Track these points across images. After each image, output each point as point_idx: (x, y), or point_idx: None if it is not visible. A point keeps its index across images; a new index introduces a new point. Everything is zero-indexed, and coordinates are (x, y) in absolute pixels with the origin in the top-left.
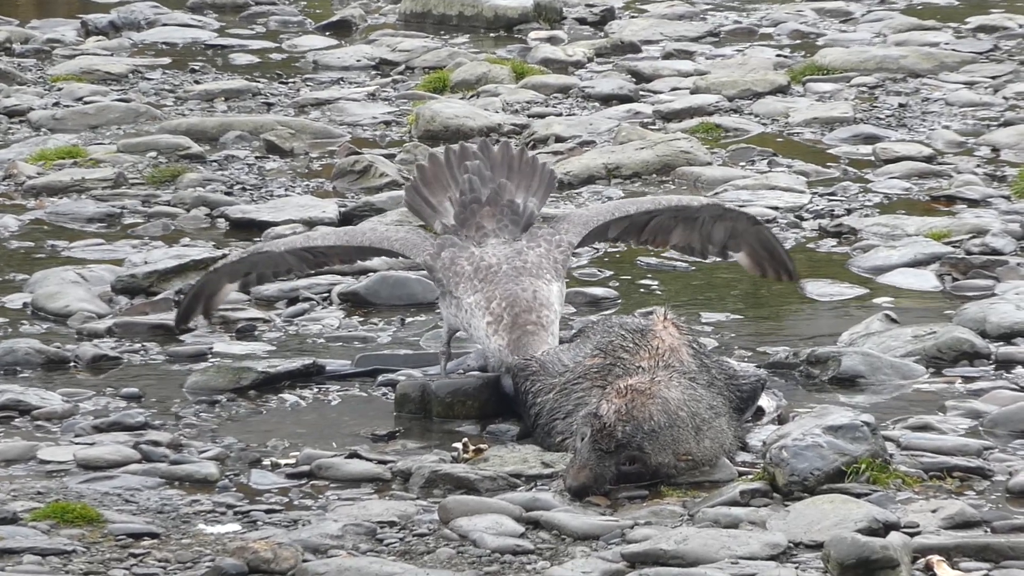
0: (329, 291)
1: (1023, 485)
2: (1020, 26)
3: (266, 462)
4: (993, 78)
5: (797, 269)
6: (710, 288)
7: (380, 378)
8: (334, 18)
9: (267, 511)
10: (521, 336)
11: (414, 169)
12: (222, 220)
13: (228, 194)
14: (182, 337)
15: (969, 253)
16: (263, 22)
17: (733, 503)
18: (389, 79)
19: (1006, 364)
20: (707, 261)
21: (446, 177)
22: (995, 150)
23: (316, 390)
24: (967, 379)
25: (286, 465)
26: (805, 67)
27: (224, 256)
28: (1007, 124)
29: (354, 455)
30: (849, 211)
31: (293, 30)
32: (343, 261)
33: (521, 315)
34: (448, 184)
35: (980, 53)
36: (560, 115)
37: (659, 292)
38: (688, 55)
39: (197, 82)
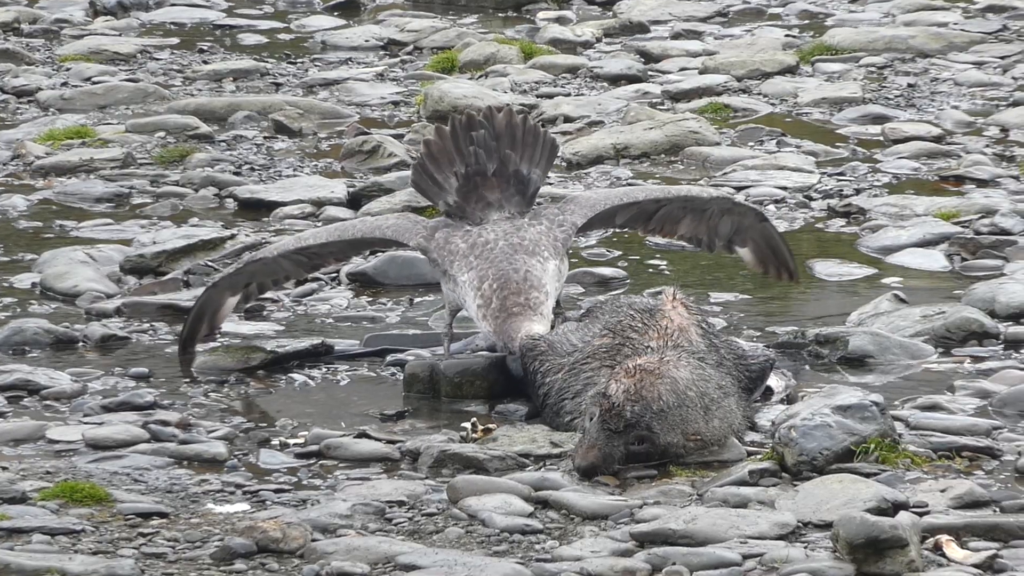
0: (338, 271)
1: None
2: None
3: (275, 442)
4: (1002, 58)
5: (798, 267)
6: (719, 268)
7: (389, 358)
8: None
9: (276, 491)
10: (506, 320)
11: (421, 145)
12: (231, 200)
13: (237, 174)
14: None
15: (978, 233)
16: (271, 2)
17: (742, 483)
18: (397, 59)
19: (1015, 344)
20: (711, 253)
21: (452, 150)
22: (1004, 130)
23: (325, 370)
24: (976, 359)
25: (295, 445)
26: (814, 47)
27: (232, 237)
28: (1016, 104)
29: (363, 435)
30: (858, 191)
31: (301, 10)
32: (338, 260)
33: (509, 298)
34: (454, 158)
35: (989, 33)
36: (569, 95)
37: (668, 272)
38: (697, 35)
39: (205, 62)
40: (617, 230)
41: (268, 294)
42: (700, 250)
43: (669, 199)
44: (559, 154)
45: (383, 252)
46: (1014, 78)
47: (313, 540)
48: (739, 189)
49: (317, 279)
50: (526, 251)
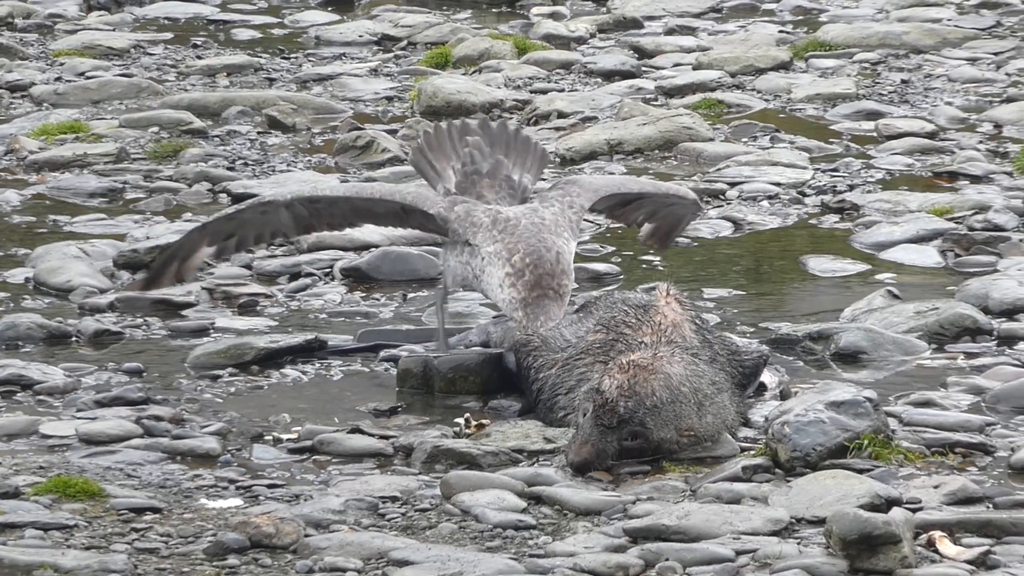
0: (331, 266)
1: None
2: (1022, 2)
3: (268, 437)
4: (995, 54)
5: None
6: (712, 264)
7: (382, 353)
8: None
9: (269, 486)
10: (540, 297)
11: (421, 133)
12: (224, 195)
13: (230, 169)
14: (184, 312)
15: (971, 229)
16: None
17: (735, 479)
18: (391, 55)
19: (1008, 340)
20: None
21: (448, 147)
22: (997, 126)
23: (318, 365)
24: (969, 355)
25: (288, 440)
26: (807, 43)
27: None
28: (1009, 100)
29: (356, 430)
30: (851, 187)
31: (295, 5)
32: (339, 223)
33: (544, 277)
34: (450, 154)
35: (983, 29)
36: (562, 91)
37: (661, 268)
38: (690, 31)
39: (199, 57)
40: (612, 224)
41: (260, 289)
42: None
43: (655, 194)
44: (549, 162)
45: (377, 247)
46: (1007, 74)
47: (306, 535)
48: (733, 185)
49: (311, 274)
50: (550, 231)
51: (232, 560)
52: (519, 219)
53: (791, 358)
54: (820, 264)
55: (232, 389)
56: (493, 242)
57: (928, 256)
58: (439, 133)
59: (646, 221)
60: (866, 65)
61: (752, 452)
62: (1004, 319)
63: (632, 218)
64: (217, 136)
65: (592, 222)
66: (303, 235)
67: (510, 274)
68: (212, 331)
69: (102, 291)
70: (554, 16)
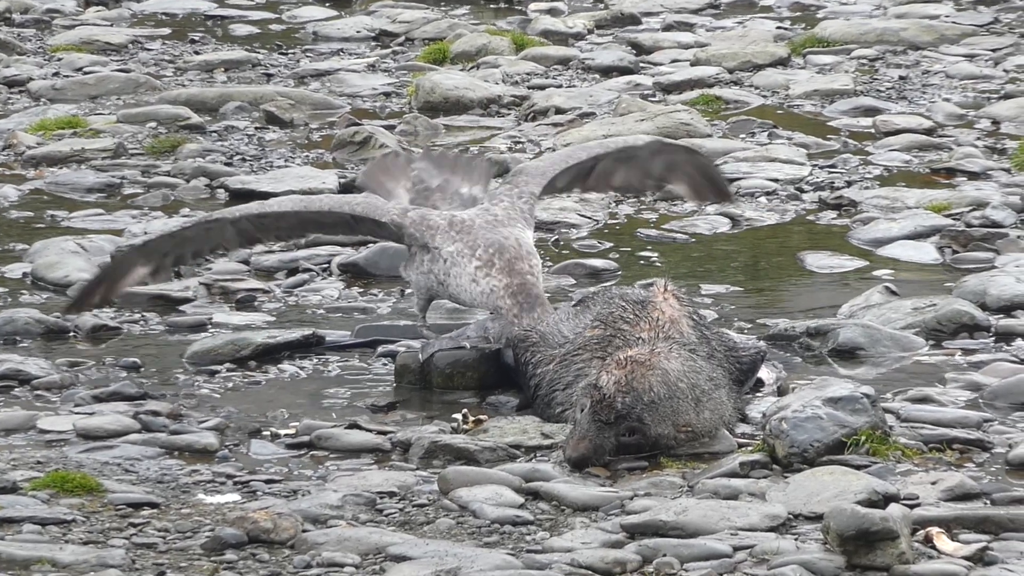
0: (329, 262)
1: (1023, 457)
2: None
3: (266, 432)
4: (993, 51)
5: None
6: (710, 260)
7: (380, 349)
8: None
9: (267, 481)
10: (523, 284)
11: (370, 160)
12: (222, 191)
13: (228, 165)
14: (182, 307)
15: (969, 226)
16: None
17: (733, 474)
18: (389, 50)
19: (1006, 336)
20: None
21: (397, 171)
22: (995, 123)
23: (316, 361)
24: (967, 351)
25: (286, 435)
26: (805, 39)
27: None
28: (1007, 97)
29: (354, 426)
30: (849, 183)
31: (293, 1)
32: (287, 236)
33: (514, 263)
34: (399, 177)
35: (981, 26)
36: (560, 87)
37: (659, 264)
38: (688, 27)
39: (197, 53)
40: (609, 220)
41: (258, 284)
42: (633, 196)
43: (608, 153)
44: (495, 173)
45: (375, 243)
46: (1005, 71)
47: (304, 531)
48: (730, 181)
49: (308, 270)
50: (503, 224)
51: (230, 555)
52: (473, 219)
53: (788, 354)
54: (818, 260)
55: (230, 384)
56: (453, 242)
57: (926, 252)
58: (388, 160)
59: (626, 184)
60: (864, 61)
61: (750, 448)
62: (1002, 315)
63: (607, 185)
64: (215, 131)
65: (590, 218)
66: (247, 248)
67: (480, 266)
68: (210, 326)
69: None
70: (552, 12)
